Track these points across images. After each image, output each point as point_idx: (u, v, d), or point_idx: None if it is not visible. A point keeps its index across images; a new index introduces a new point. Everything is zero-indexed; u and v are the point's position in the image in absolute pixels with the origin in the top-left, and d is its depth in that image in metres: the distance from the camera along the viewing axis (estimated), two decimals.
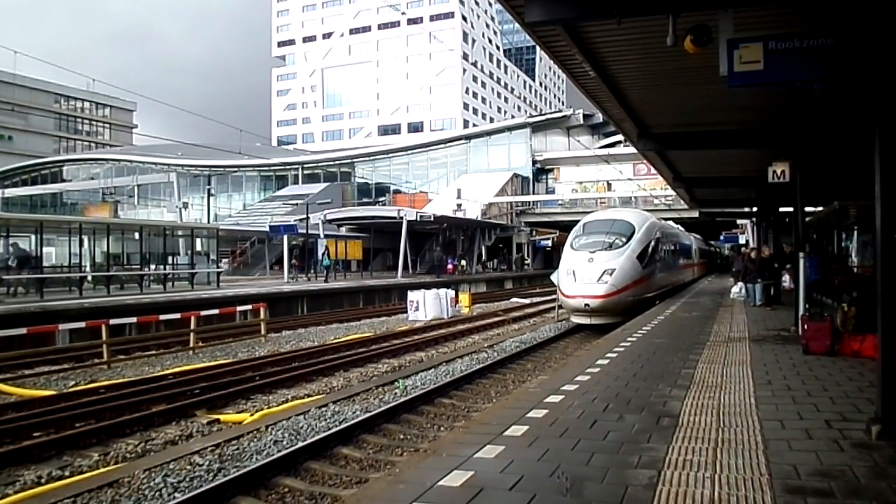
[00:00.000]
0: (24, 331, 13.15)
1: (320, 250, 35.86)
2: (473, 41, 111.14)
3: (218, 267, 29.70)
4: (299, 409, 9.19)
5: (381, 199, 60.45)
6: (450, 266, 41.86)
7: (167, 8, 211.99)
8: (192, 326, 15.36)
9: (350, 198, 61.57)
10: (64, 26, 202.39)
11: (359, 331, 19.04)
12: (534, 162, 56.76)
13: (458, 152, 60.14)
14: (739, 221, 42.76)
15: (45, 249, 23.04)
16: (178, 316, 16.32)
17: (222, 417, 9.08)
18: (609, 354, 9.32)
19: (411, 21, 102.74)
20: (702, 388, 6.90)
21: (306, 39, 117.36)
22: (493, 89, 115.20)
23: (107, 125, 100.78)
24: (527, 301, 29.40)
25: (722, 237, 53.43)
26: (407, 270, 40.05)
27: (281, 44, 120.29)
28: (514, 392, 9.04)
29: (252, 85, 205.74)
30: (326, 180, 64.07)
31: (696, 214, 39.36)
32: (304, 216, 36.73)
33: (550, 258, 51.48)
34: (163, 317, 16.54)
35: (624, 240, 17.92)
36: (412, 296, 22.23)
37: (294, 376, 11.68)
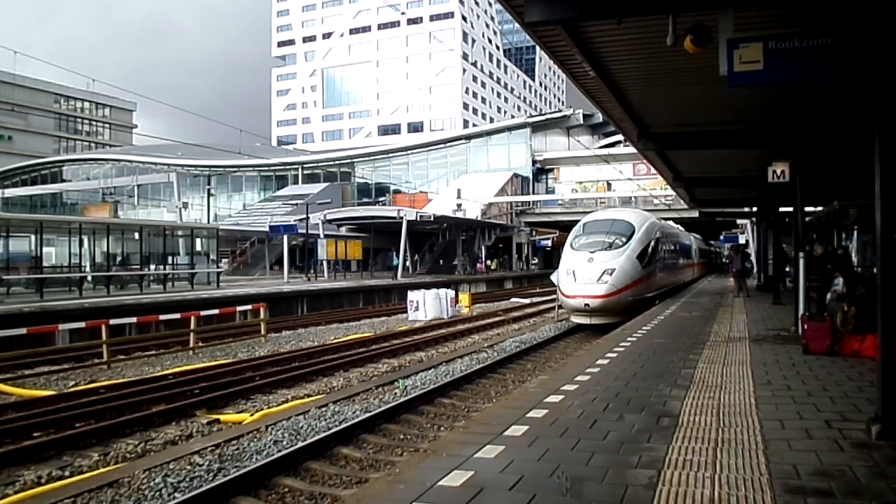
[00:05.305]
0: (24, 331, 13.15)
1: (320, 250, 36.01)
2: (473, 41, 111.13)
3: (218, 267, 29.72)
4: (299, 409, 9.19)
5: (381, 199, 60.46)
6: (479, 265, 45.62)
7: (177, 3, 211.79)
8: (192, 326, 15.35)
9: (350, 198, 61.61)
10: (74, 22, 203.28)
11: (359, 331, 19.03)
12: (534, 162, 56.79)
13: (458, 152, 60.15)
14: (739, 221, 42.82)
15: (45, 249, 23.05)
16: (178, 316, 16.32)
17: (222, 417, 9.08)
18: (609, 354, 9.31)
19: (411, 21, 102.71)
20: (702, 388, 6.90)
21: (306, 39, 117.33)
22: (493, 89, 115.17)
23: (107, 125, 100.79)
24: (527, 301, 29.41)
25: (722, 237, 53.48)
26: (406, 270, 40.05)
27: (281, 44, 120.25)
28: (514, 392, 9.02)
29: (254, 84, 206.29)
30: (326, 180, 64.10)
31: (696, 214, 39.39)
32: (304, 216, 36.78)
33: (550, 258, 51.57)
34: (163, 317, 16.54)
35: (624, 240, 17.92)
36: (412, 296, 22.23)
37: (294, 376, 11.67)
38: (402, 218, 37.75)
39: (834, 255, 11.88)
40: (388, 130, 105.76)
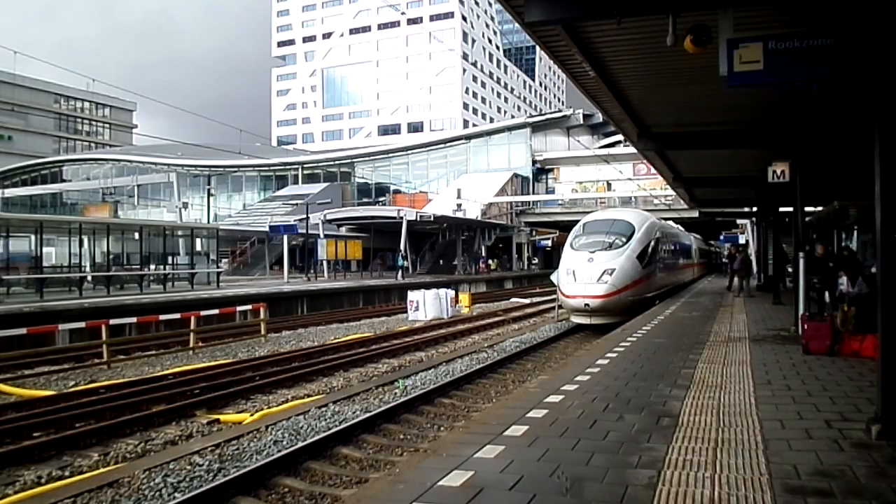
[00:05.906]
0: (24, 331, 13.15)
1: (320, 250, 36.05)
2: (473, 41, 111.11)
3: (218, 267, 29.71)
4: (299, 409, 9.19)
5: (381, 199, 60.47)
6: (482, 265, 46.87)
7: (178, 2, 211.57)
8: (192, 326, 15.35)
9: (350, 198, 61.60)
10: (75, 21, 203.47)
11: (359, 331, 19.03)
12: (534, 162, 56.78)
13: (458, 152, 60.13)
14: (739, 221, 42.78)
15: (45, 249, 23.04)
16: (178, 316, 16.31)
17: (222, 417, 9.08)
18: (609, 354, 9.31)
19: (411, 21, 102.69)
20: (702, 388, 6.90)
21: (306, 39, 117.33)
22: (493, 89, 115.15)
23: (107, 125, 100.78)
24: (527, 301, 29.40)
25: (722, 237, 53.47)
26: (406, 270, 40.01)
27: (281, 44, 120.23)
28: (514, 392, 9.03)
29: (254, 84, 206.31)
30: (326, 180, 64.09)
31: (696, 214, 39.39)
32: (304, 216, 36.78)
33: (550, 258, 51.59)
34: (163, 317, 16.53)
35: (624, 240, 17.92)
36: (412, 296, 22.23)
37: (294, 376, 11.67)
38: (402, 218, 37.75)
39: (838, 255, 11.88)
40: (388, 130, 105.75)
